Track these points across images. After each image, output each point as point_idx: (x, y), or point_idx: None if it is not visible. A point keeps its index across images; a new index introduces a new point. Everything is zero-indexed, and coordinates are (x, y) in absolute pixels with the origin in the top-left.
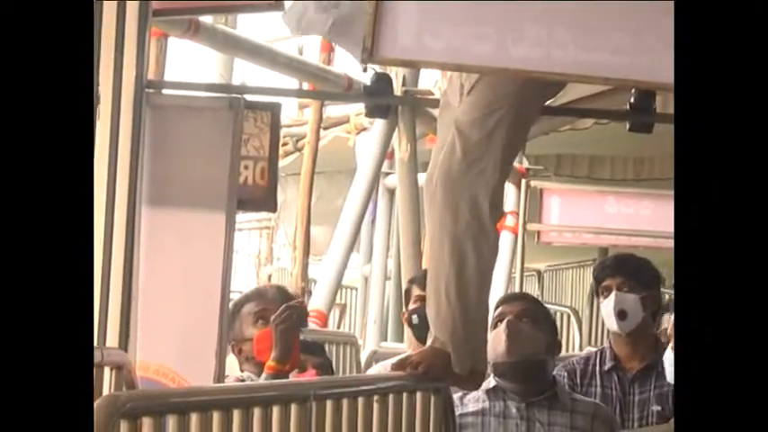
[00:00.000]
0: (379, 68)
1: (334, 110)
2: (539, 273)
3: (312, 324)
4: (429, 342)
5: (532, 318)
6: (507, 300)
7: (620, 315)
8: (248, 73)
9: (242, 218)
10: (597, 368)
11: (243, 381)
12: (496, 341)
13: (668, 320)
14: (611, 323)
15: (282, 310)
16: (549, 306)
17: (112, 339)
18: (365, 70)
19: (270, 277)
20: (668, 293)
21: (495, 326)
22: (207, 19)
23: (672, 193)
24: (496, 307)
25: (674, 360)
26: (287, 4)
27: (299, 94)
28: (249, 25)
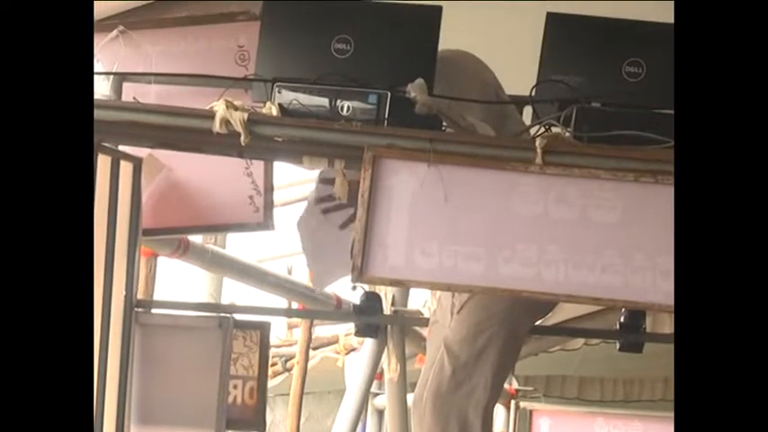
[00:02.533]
0: (368, 287)
1: (323, 330)
2: None
3: None
4: None
5: None
6: None
7: None
8: (237, 292)
9: None
10: None
11: None
12: None
13: None
14: None
15: None
16: None
17: None
18: (354, 288)
19: None
20: None
21: None
22: (196, 239)
23: (661, 414)
24: None
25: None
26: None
27: (289, 313)
28: (238, 245)
